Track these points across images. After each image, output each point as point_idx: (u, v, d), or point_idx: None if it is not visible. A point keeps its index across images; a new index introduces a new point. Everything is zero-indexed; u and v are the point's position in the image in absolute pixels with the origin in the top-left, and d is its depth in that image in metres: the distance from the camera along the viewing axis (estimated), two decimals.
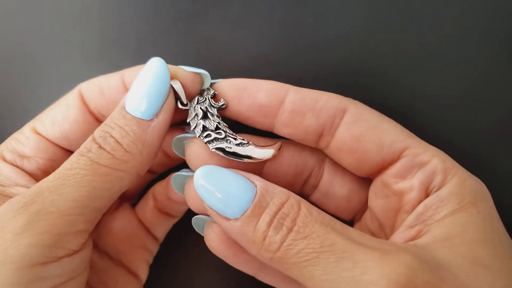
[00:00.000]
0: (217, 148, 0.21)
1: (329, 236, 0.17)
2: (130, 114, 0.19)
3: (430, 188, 0.20)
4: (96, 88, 0.22)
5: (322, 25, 0.29)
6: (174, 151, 0.22)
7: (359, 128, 0.20)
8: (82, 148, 0.19)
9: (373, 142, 0.20)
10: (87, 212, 0.18)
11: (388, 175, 0.21)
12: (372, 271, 0.16)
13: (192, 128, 0.21)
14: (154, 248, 0.26)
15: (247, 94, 0.21)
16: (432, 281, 0.16)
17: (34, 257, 0.16)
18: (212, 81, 0.22)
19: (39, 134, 0.22)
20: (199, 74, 0.21)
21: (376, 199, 0.22)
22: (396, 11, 0.29)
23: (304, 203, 0.19)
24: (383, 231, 0.23)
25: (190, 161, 0.22)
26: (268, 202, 0.18)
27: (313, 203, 0.22)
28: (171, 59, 0.29)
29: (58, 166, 0.22)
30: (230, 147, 0.21)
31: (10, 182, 0.21)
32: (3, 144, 0.22)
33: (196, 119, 0.21)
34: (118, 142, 0.19)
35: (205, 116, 0.21)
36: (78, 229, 0.18)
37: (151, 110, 0.19)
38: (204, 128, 0.21)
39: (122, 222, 0.25)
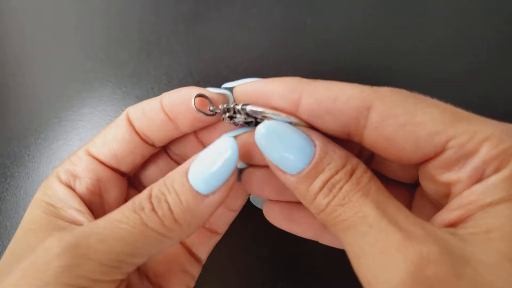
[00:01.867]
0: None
1: (363, 208, 0.17)
2: (189, 184, 0.19)
3: (483, 178, 0.17)
4: (139, 110, 0.23)
5: (320, 25, 0.30)
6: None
7: (388, 128, 0.18)
8: (136, 202, 0.19)
9: (407, 141, 0.18)
10: (124, 266, 0.19)
11: (432, 166, 0.19)
12: (388, 252, 0.16)
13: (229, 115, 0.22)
14: (196, 271, 0.26)
15: (262, 100, 0.20)
16: (447, 275, 0.15)
17: None
18: (229, 84, 0.22)
19: (91, 155, 0.23)
20: (224, 95, 0.22)
21: (424, 181, 0.20)
22: (393, 11, 0.30)
23: (359, 170, 0.19)
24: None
25: (248, 187, 0.23)
26: (324, 167, 0.18)
27: (372, 169, 0.22)
28: (173, 60, 0.30)
29: (104, 187, 0.23)
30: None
31: (63, 204, 0.21)
32: (59, 165, 0.23)
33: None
34: (170, 209, 0.19)
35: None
36: (112, 278, 0.19)
37: (211, 188, 0.20)
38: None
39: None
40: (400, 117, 0.18)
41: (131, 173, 0.25)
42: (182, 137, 0.24)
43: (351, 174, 0.18)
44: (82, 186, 0.22)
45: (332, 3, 0.30)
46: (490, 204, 0.16)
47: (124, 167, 0.23)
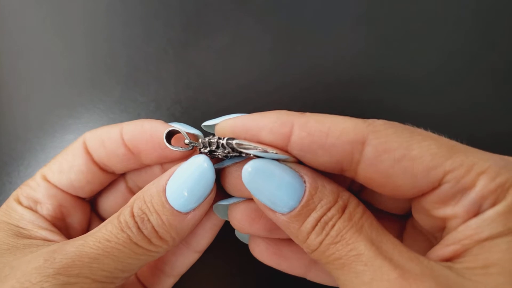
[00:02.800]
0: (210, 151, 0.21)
1: (357, 246, 0.17)
2: (169, 204, 0.19)
3: (480, 212, 0.17)
4: (98, 140, 0.22)
5: (309, 54, 0.30)
6: (215, 213, 0.23)
7: (384, 164, 0.17)
8: (121, 221, 0.20)
9: (404, 176, 0.17)
10: (117, 281, 0.20)
11: (427, 201, 0.18)
12: None
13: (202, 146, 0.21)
14: None
15: (250, 135, 0.19)
16: None
17: None
18: (210, 122, 0.22)
19: (48, 181, 0.23)
20: (196, 136, 0.22)
21: (418, 214, 0.20)
22: (382, 38, 0.30)
23: (351, 205, 0.18)
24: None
25: (234, 224, 0.22)
26: (316, 204, 0.18)
27: (363, 200, 0.21)
28: (161, 87, 0.30)
29: (66, 212, 0.23)
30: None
31: (33, 225, 0.21)
32: (18, 190, 0.23)
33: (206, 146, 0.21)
34: (154, 229, 0.20)
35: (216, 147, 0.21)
36: None
37: (190, 206, 0.20)
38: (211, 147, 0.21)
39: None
40: (396, 152, 0.17)
41: (91, 197, 0.25)
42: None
43: (343, 210, 0.18)
44: (43, 211, 0.22)
45: (322, 32, 0.30)
46: (487, 239, 0.16)
47: (82, 195, 0.24)
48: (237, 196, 0.22)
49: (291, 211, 0.18)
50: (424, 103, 0.30)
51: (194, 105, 0.30)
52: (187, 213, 0.20)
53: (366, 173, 0.18)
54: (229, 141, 0.19)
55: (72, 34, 0.31)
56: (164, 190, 0.20)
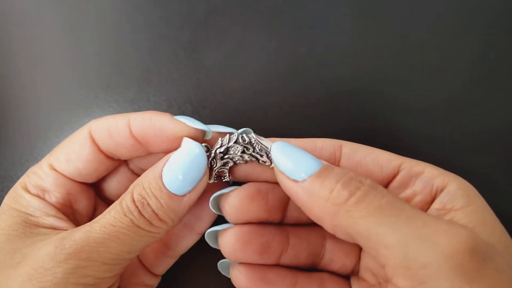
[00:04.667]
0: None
1: (398, 200, 0.19)
2: (166, 188, 0.21)
3: (433, 191, 0.22)
4: (104, 131, 0.23)
5: (313, 54, 0.31)
6: (211, 208, 0.24)
7: (358, 155, 0.23)
8: (124, 206, 0.21)
9: (374, 164, 0.23)
10: (123, 262, 0.21)
11: (391, 188, 0.23)
12: (442, 232, 0.17)
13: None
14: (155, 282, 0.27)
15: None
16: (490, 251, 0.17)
17: None
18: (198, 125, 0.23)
19: (56, 170, 0.24)
20: (202, 130, 0.23)
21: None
22: (384, 38, 0.31)
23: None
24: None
25: (230, 215, 0.24)
26: (334, 169, 0.20)
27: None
28: (173, 87, 0.32)
29: (74, 199, 0.24)
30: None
31: (41, 213, 0.23)
32: (24, 177, 0.24)
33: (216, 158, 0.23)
34: (154, 212, 0.21)
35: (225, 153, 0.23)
36: (113, 274, 0.21)
37: (185, 189, 0.21)
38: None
39: None
40: (365, 150, 0.23)
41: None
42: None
43: (365, 177, 0.20)
44: (52, 199, 0.23)
45: (327, 34, 0.32)
46: (462, 208, 0.20)
47: (89, 181, 0.25)
48: (235, 221, 0.24)
49: (312, 173, 0.20)
50: (425, 102, 0.31)
51: (204, 104, 0.31)
52: (183, 196, 0.21)
53: (346, 165, 0.23)
54: (248, 136, 0.23)
55: (88, 40, 0.33)
56: (161, 176, 0.21)
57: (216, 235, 0.24)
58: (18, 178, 0.31)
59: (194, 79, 0.31)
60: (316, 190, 0.20)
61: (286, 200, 0.24)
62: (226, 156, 0.23)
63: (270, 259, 0.24)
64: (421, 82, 0.31)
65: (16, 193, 0.23)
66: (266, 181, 0.24)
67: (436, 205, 0.21)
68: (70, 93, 0.32)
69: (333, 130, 0.31)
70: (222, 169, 0.23)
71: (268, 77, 0.31)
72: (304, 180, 0.20)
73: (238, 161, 0.23)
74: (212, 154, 0.23)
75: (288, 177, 0.21)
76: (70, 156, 0.23)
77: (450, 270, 0.16)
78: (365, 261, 0.25)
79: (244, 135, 0.23)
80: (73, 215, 0.24)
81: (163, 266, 0.27)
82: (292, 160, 0.21)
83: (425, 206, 0.22)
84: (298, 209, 0.23)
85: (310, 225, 0.25)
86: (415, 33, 0.31)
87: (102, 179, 0.26)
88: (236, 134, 0.23)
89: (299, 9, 0.32)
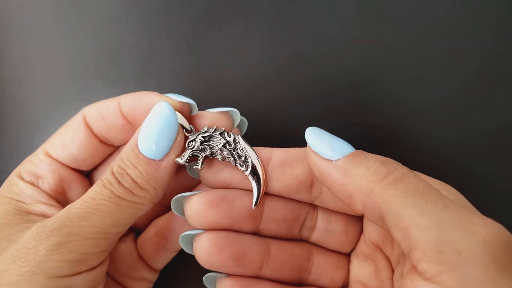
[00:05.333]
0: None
1: (435, 189, 0.18)
2: (142, 155, 0.21)
3: None
4: (97, 114, 0.23)
5: (317, 46, 0.31)
6: (173, 210, 0.24)
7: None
8: (104, 180, 0.21)
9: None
10: (109, 236, 0.21)
11: None
12: (478, 222, 0.17)
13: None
14: (154, 277, 0.27)
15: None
16: None
17: (62, 270, 0.19)
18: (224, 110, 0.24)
19: (50, 156, 0.24)
20: (188, 103, 0.23)
21: (371, 225, 0.24)
22: (389, 30, 0.31)
23: None
24: (380, 252, 0.24)
25: (190, 219, 0.23)
26: (368, 153, 0.20)
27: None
28: (175, 79, 0.31)
29: (67, 186, 0.24)
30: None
31: (33, 200, 0.23)
32: (19, 166, 0.24)
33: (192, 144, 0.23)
34: (134, 180, 0.21)
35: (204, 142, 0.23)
36: (100, 250, 0.20)
37: (162, 152, 0.21)
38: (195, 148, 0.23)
39: (123, 254, 0.26)
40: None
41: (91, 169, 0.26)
42: None
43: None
44: (45, 185, 0.23)
45: (332, 27, 0.31)
46: None
47: (84, 168, 0.25)
48: (196, 225, 0.23)
49: (347, 154, 0.20)
50: (432, 100, 0.30)
51: (206, 96, 0.30)
52: (161, 160, 0.21)
53: None
54: (235, 135, 0.22)
55: (87, 31, 0.32)
56: (137, 145, 0.21)
57: (191, 239, 0.24)
58: None
59: (196, 71, 0.31)
60: (352, 167, 0.19)
61: (258, 211, 0.24)
62: (206, 143, 0.22)
63: (249, 268, 0.23)
64: (426, 76, 0.30)
65: (10, 181, 0.23)
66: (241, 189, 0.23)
67: None
68: (68, 85, 0.32)
69: (337, 124, 0.30)
70: (197, 154, 0.22)
71: (271, 69, 0.31)
72: (338, 160, 0.20)
73: (215, 154, 0.23)
74: (194, 137, 0.22)
75: (321, 157, 0.20)
76: (64, 141, 0.24)
77: (485, 258, 0.16)
78: (355, 273, 0.24)
79: (231, 133, 0.23)
80: (67, 203, 0.24)
81: (162, 260, 0.27)
82: (326, 142, 0.21)
83: None
84: (276, 221, 0.23)
85: (292, 240, 0.25)
86: (421, 26, 0.31)
87: (96, 169, 0.26)
88: (222, 130, 0.23)
89: (302, 0, 0.31)
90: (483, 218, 0.17)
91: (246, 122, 0.26)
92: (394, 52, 0.31)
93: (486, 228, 0.17)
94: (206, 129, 0.23)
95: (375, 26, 0.31)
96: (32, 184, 0.23)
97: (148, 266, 0.26)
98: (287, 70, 0.31)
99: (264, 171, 0.23)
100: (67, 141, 0.24)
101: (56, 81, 0.32)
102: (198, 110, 0.31)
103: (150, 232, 0.27)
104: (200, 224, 0.23)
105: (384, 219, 0.18)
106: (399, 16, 0.31)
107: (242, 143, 0.23)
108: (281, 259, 0.24)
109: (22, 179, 0.23)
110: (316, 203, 0.24)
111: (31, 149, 0.31)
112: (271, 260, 0.24)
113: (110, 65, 0.31)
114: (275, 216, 0.24)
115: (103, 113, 0.23)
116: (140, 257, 0.26)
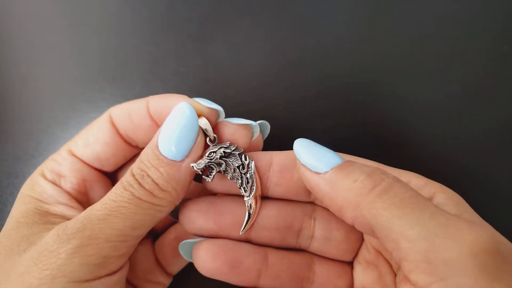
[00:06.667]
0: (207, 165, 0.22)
1: (422, 197, 0.18)
2: (163, 155, 0.21)
3: None
4: (124, 113, 0.23)
5: (322, 46, 0.31)
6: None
7: None
8: (124, 182, 0.21)
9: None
10: (129, 239, 0.20)
11: None
12: (465, 230, 0.17)
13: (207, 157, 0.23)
14: (168, 282, 0.27)
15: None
16: (508, 250, 0.17)
17: (83, 274, 0.19)
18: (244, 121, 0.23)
19: (74, 155, 0.24)
20: (216, 110, 0.23)
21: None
22: (394, 30, 0.31)
23: None
24: (381, 257, 0.24)
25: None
26: (356, 163, 0.20)
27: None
28: (181, 80, 0.31)
29: (89, 186, 0.24)
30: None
31: (53, 200, 0.22)
32: (43, 164, 0.24)
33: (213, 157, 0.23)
34: (154, 182, 0.21)
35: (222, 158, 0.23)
36: (120, 253, 0.20)
37: (182, 153, 0.21)
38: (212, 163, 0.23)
39: (141, 257, 0.26)
40: None
41: (113, 171, 0.26)
42: None
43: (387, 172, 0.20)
44: (67, 185, 0.23)
45: (337, 26, 0.31)
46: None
47: (107, 168, 0.25)
48: (197, 232, 0.23)
49: (335, 166, 0.20)
50: (432, 99, 0.30)
51: (212, 97, 0.30)
52: (181, 161, 0.21)
53: None
54: (251, 161, 0.22)
55: (92, 32, 0.32)
56: (157, 146, 0.21)
57: (190, 247, 0.24)
58: (23, 173, 0.31)
59: (201, 71, 0.31)
60: (339, 181, 0.19)
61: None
62: (224, 158, 0.23)
63: (246, 277, 0.23)
64: (431, 76, 0.31)
65: (32, 180, 0.23)
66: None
67: None
68: (74, 87, 0.32)
69: (342, 123, 0.30)
70: (212, 166, 0.22)
71: (276, 69, 0.31)
72: (326, 172, 0.20)
73: (227, 171, 0.23)
74: (215, 149, 0.22)
75: (310, 170, 0.20)
76: (88, 139, 0.23)
77: (474, 267, 0.16)
78: (359, 281, 0.24)
79: (248, 157, 0.23)
80: (88, 204, 0.24)
81: (179, 265, 0.27)
82: (314, 154, 0.20)
83: None
84: (267, 229, 0.23)
85: (291, 249, 0.24)
86: (426, 26, 0.31)
87: (119, 171, 0.26)
88: (241, 150, 0.23)
89: (307, 1, 0.31)
90: (471, 225, 0.17)
91: (269, 127, 0.26)
92: (399, 52, 0.31)
93: (474, 236, 0.17)
94: (228, 144, 0.23)
95: (380, 26, 0.31)
96: (54, 183, 0.23)
97: (164, 270, 0.26)
98: (292, 70, 0.31)
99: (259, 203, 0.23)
100: (90, 139, 0.23)
101: (61, 82, 0.32)
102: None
103: (169, 237, 0.27)
104: (191, 229, 0.23)
105: (374, 231, 0.19)
106: (403, 16, 0.31)
107: (253, 170, 0.23)
108: (279, 267, 0.24)
109: (45, 177, 0.23)
110: (317, 202, 0.24)
111: (39, 151, 0.31)
112: (269, 269, 0.23)
113: (115, 66, 0.31)
114: (265, 224, 0.24)
115: (131, 112, 0.23)
116: (157, 261, 0.26)
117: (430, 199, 0.20)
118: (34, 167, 0.31)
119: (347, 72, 0.31)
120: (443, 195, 0.20)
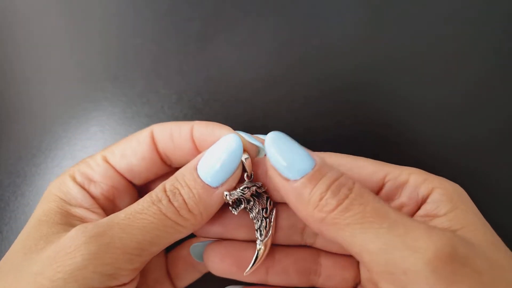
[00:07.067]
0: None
1: (383, 206, 0.19)
2: (200, 178, 0.21)
3: (419, 200, 0.22)
4: (167, 132, 0.24)
5: (326, 46, 0.31)
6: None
7: (341, 169, 0.22)
8: (153, 196, 0.21)
9: (357, 178, 0.22)
10: (145, 254, 0.20)
11: None
12: (422, 238, 0.18)
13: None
14: None
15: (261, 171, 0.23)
16: (469, 254, 0.18)
17: (94, 282, 0.19)
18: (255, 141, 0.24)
19: (108, 163, 0.24)
20: (257, 146, 0.23)
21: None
22: (398, 29, 0.31)
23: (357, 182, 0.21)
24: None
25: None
26: (326, 172, 0.20)
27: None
28: (183, 80, 0.31)
29: (118, 194, 0.24)
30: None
31: (76, 202, 0.23)
32: (75, 165, 0.24)
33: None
34: (184, 201, 0.21)
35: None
36: (134, 267, 0.20)
37: (220, 181, 0.21)
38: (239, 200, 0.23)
39: (153, 266, 0.27)
40: (347, 164, 0.22)
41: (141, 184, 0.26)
42: None
43: (353, 182, 0.20)
44: (97, 190, 0.23)
45: (339, 26, 0.31)
46: (447, 213, 0.20)
47: (137, 181, 0.25)
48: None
49: (304, 175, 0.20)
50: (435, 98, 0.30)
51: (214, 97, 0.31)
52: (216, 188, 0.21)
53: None
54: (275, 207, 0.23)
55: (94, 31, 0.32)
56: (196, 168, 0.21)
57: (201, 249, 0.25)
58: (25, 173, 0.31)
59: (204, 71, 0.31)
60: (306, 195, 0.19)
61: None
62: (254, 196, 0.23)
63: (255, 274, 0.24)
64: (434, 76, 0.31)
65: (61, 180, 0.23)
66: None
67: (421, 212, 0.21)
68: (76, 86, 0.32)
69: (345, 122, 0.30)
70: (241, 200, 0.23)
71: (279, 69, 0.31)
72: (295, 181, 0.20)
73: (252, 210, 0.23)
74: (250, 185, 0.23)
75: (279, 174, 0.20)
76: (125, 151, 0.24)
77: (429, 275, 0.17)
78: (365, 273, 0.25)
79: (272, 202, 0.24)
80: (113, 211, 0.24)
81: (188, 279, 0.27)
82: (285, 157, 0.20)
83: (412, 216, 0.22)
84: (274, 229, 0.24)
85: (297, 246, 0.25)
86: (430, 25, 0.31)
87: (149, 185, 0.26)
88: (269, 194, 0.23)
89: (310, 0, 0.31)
90: (429, 233, 0.18)
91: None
92: (401, 52, 0.31)
93: (430, 243, 0.17)
94: (260, 185, 0.23)
95: (384, 25, 0.31)
96: (82, 186, 0.23)
97: (172, 283, 0.27)
98: (295, 69, 0.31)
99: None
100: (128, 151, 0.24)
101: (64, 82, 0.32)
102: (208, 109, 0.31)
103: (184, 251, 0.27)
104: (200, 232, 0.24)
105: (339, 244, 0.19)
106: (406, 16, 0.31)
107: (273, 216, 0.23)
108: (286, 262, 0.24)
109: (74, 179, 0.23)
110: None
111: (41, 150, 0.31)
112: (276, 264, 0.24)
113: (118, 66, 0.32)
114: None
115: (173, 132, 0.24)
116: (168, 273, 0.26)
117: (427, 197, 0.21)
118: (36, 167, 0.31)
119: (350, 72, 0.31)
120: (439, 191, 0.21)
